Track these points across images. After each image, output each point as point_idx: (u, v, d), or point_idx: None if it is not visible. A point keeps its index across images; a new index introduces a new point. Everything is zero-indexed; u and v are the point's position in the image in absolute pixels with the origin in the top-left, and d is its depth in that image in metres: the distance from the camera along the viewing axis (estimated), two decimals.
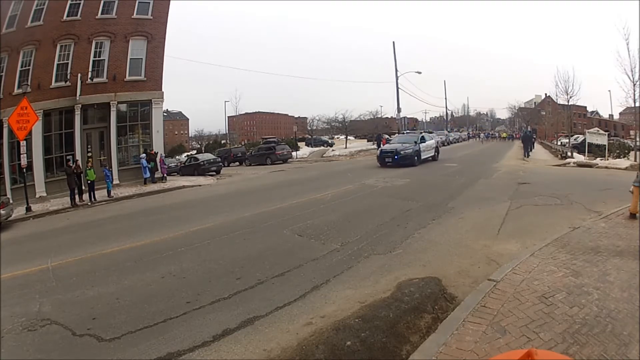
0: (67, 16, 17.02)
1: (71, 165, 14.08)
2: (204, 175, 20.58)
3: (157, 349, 3.20)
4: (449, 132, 53.23)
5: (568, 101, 25.38)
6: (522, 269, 4.08)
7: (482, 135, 60.28)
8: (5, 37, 16.56)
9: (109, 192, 14.41)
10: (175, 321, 3.68)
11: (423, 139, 17.83)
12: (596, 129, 24.86)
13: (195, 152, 43.66)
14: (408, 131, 20.13)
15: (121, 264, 5.58)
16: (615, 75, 48.85)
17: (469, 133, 64.23)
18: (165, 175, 18.42)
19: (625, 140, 25.01)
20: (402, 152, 16.10)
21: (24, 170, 13.59)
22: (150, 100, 18.63)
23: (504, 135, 61.26)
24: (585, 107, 55.95)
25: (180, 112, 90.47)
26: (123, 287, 4.66)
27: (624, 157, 17.39)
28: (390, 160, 16.13)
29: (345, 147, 39.02)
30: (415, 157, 16.31)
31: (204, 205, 10.59)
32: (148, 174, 17.25)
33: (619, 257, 4.30)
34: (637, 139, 18.21)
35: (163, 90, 19.15)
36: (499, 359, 1.61)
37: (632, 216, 5.99)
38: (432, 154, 18.37)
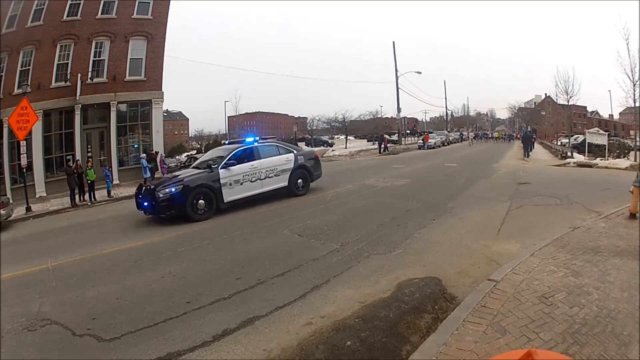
0: (67, 16, 17.04)
1: (71, 165, 14.09)
2: None
3: (157, 349, 3.20)
4: (449, 132, 53.26)
5: (568, 101, 25.46)
6: (522, 269, 4.08)
7: (469, 135, 49.44)
8: (5, 37, 16.57)
9: (109, 192, 14.42)
10: (175, 321, 3.68)
11: (247, 155, 9.25)
12: (596, 129, 24.88)
13: (195, 152, 43.66)
14: (230, 141, 12.44)
15: (121, 264, 5.58)
16: (615, 75, 48.86)
17: (461, 133, 53.03)
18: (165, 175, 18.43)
19: (625, 140, 25.05)
20: (159, 194, 8.05)
21: (24, 170, 13.60)
22: (150, 100, 18.65)
23: (497, 135, 55.65)
24: (585, 107, 56.01)
25: (180, 112, 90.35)
26: (123, 287, 4.66)
27: (624, 157, 17.41)
28: (147, 206, 8.38)
29: (345, 147, 38.99)
30: (197, 201, 8.12)
31: None
32: (148, 174, 17.25)
33: (619, 257, 4.30)
34: (637, 139, 18.22)
35: (163, 90, 19.20)
36: (499, 359, 1.61)
37: (632, 216, 5.99)
38: (282, 184, 9.64)
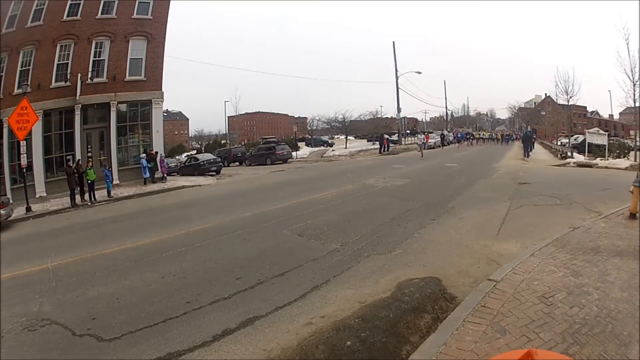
0: (67, 16, 17.02)
1: (71, 165, 14.10)
2: (204, 175, 20.57)
3: (157, 349, 3.20)
4: (448, 132, 53.19)
5: (568, 101, 25.44)
6: (522, 269, 4.08)
7: (419, 136, 31.79)
8: (5, 37, 16.56)
9: (109, 192, 14.41)
10: (175, 321, 3.68)
11: None
12: (596, 129, 24.87)
13: (195, 152, 43.64)
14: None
15: (121, 264, 5.58)
16: (615, 75, 48.80)
17: (442, 134, 39.48)
18: (165, 175, 18.43)
19: (625, 140, 25.01)
20: None
21: (24, 170, 13.60)
22: (150, 100, 18.63)
23: (485, 134, 45.76)
24: (585, 107, 55.89)
25: (180, 112, 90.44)
26: (123, 287, 4.66)
27: (624, 157, 17.39)
28: None
29: (345, 147, 39.07)
30: None
31: (204, 205, 10.58)
32: (148, 174, 17.26)
33: (619, 257, 4.30)
34: (637, 139, 18.21)
35: (163, 90, 19.17)
36: (499, 359, 1.61)
37: (632, 216, 5.99)
38: None
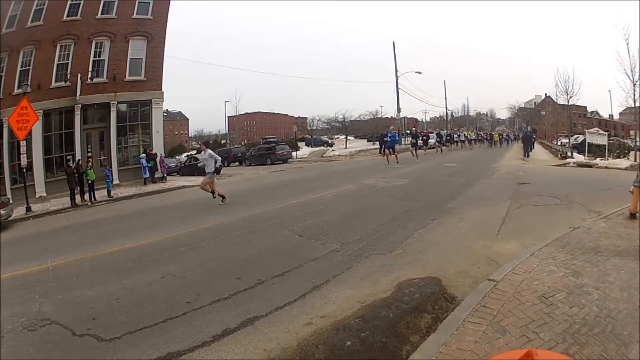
0: (67, 16, 17.05)
1: (71, 165, 14.11)
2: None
3: (157, 349, 3.20)
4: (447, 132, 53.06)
5: (568, 101, 25.48)
6: (522, 269, 4.08)
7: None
8: (5, 37, 16.58)
9: (109, 192, 14.43)
10: (175, 321, 3.67)
11: None
12: (596, 129, 24.94)
13: (195, 152, 43.65)
14: None
15: (121, 264, 5.58)
16: (615, 75, 48.89)
17: (419, 135, 26.42)
18: (165, 175, 18.44)
19: (625, 140, 25.05)
20: None
21: (24, 170, 13.61)
22: (150, 100, 18.67)
23: (469, 134, 38.56)
24: (585, 107, 55.88)
25: (180, 112, 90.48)
26: (123, 287, 4.66)
27: (624, 157, 17.41)
28: None
29: (345, 147, 39.12)
30: None
31: (204, 205, 10.58)
32: (148, 174, 17.27)
33: (619, 257, 4.29)
34: (637, 139, 18.22)
35: (163, 90, 19.21)
36: (499, 359, 1.61)
37: (632, 216, 5.99)
38: None
